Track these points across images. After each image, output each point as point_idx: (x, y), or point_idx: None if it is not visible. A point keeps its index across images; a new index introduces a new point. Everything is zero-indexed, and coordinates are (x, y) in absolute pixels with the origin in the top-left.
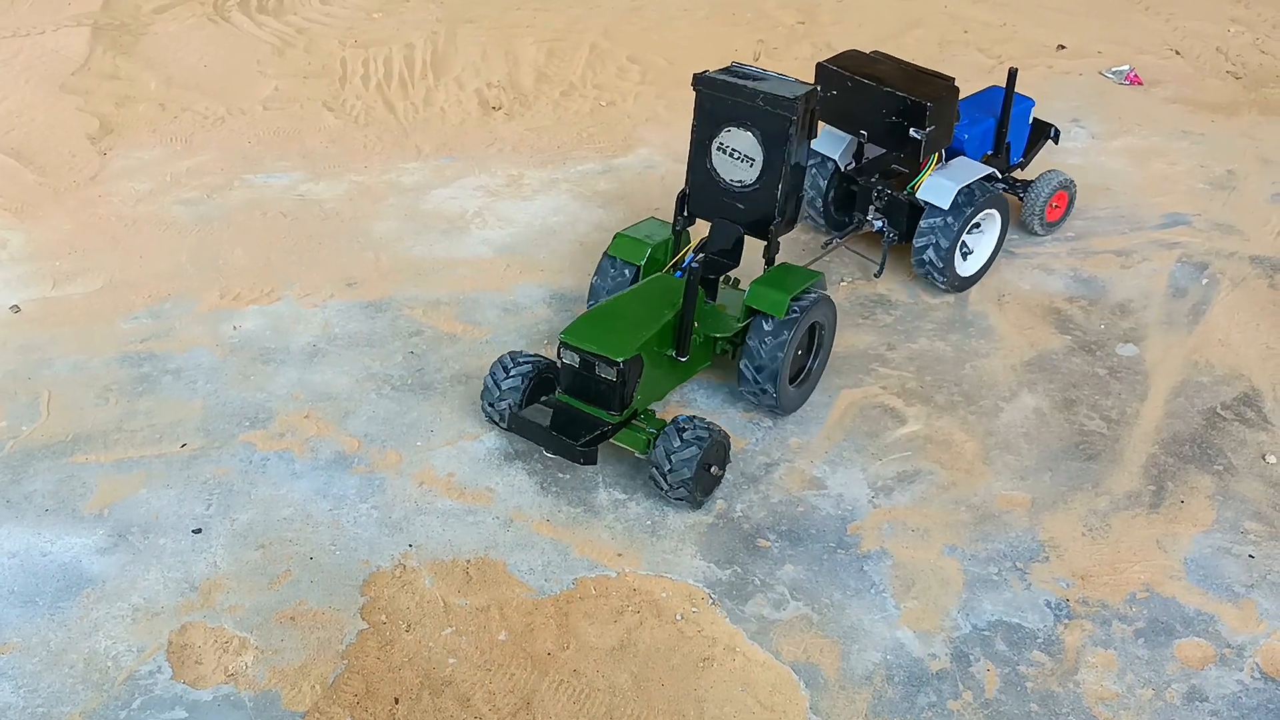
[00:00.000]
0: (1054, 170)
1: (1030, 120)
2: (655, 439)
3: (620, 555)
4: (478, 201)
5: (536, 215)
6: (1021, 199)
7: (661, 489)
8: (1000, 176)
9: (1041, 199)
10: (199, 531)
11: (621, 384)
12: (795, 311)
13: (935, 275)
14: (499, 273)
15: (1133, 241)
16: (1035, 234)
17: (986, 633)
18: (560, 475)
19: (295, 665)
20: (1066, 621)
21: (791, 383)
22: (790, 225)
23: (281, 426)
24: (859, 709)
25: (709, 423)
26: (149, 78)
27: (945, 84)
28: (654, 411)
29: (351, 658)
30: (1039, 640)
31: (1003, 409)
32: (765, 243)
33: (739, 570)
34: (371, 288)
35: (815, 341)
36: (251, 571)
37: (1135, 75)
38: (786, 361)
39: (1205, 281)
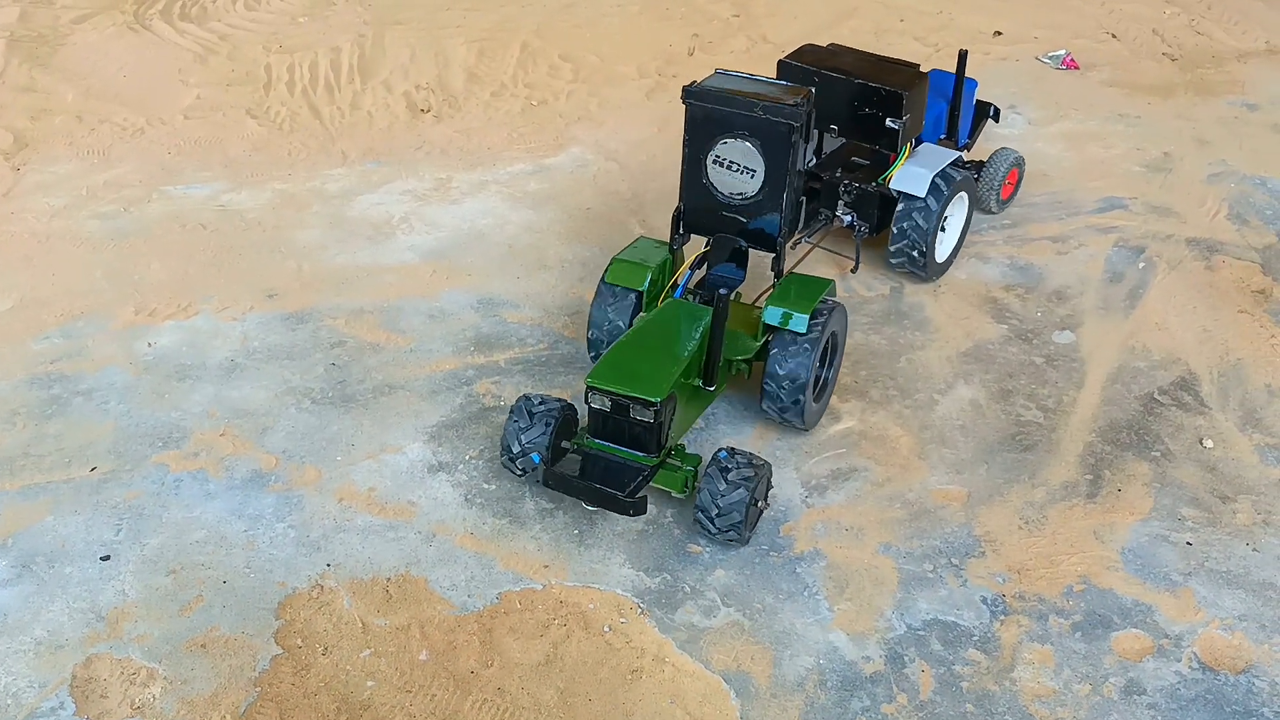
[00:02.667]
0: (1005, 148)
1: (975, 101)
2: (695, 479)
3: (547, 567)
4: (404, 206)
5: (465, 219)
6: (977, 180)
7: (710, 532)
8: (964, 160)
9: (999, 177)
10: (107, 559)
11: (659, 425)
12: (816, 325)
13: (916, 265)
14: (425, 279)
15: (1069, 227)
16: (991, 212)
17: (921, 632)
18: (485, 486)
19: (205, 695)
20: (1003, 618)
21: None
22: (793, 234)
23: (196, 445)
24: (791, 717)
25: (750, 456)
26: (66, 89)
27: (913, 71)
28: (684, 446)
29: (265, 685)
30: (975, 638)
31: (938, 402)
32: (773, 255)
33: (669, 577)
34: (293, 299)
35: (829, 350)
36: (161, 598)
37: (1071, 60)
38: (811, 378)
39: (1142, 265)
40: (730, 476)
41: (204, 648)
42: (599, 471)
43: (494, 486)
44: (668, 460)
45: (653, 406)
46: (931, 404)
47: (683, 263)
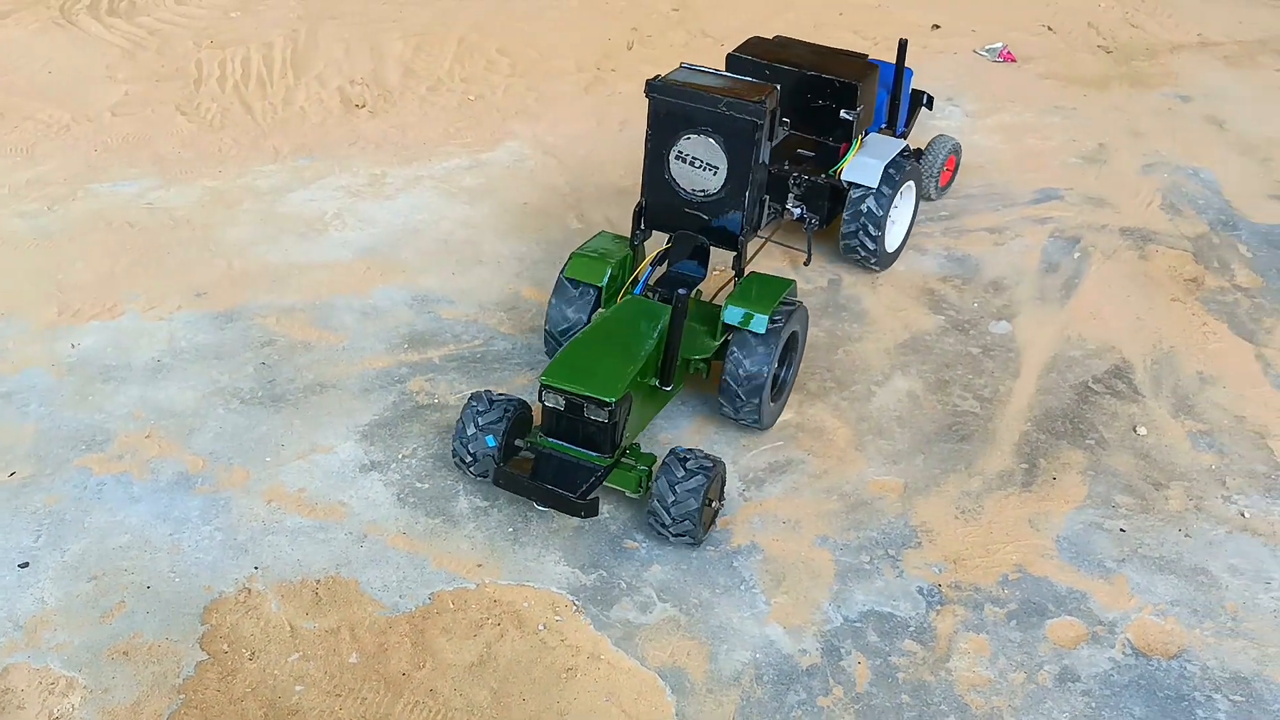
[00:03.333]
0: (942, 135)
1: (911, 90)
2: (649, 478)
3: (480, 566)
4: (337, 202)
5: (399, 214)
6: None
7: (663, 523)
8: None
9: (938, 164)
10: (25, 565)
11: (613, 425)
12: (777, 324)
13: (867, 255)
14: (358, 275)
15: (1006, 218)
16: (929, 199)
17: (858, 624)
18: (418, 485)
19: (127, 704)
20: (939, 608)
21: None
22: (754, 232)
23: (120, 448)
24: (727, 712)
25: (702, 457)
26: None
27: (864, 61)
28: (639, 445)
29: (189, 692)
30: (911, 629)
31: (876, 393)
32: (734, 253)
33: (604, 574)
34: (222, 297)
35: (788, 351)
36: (82, 605)
37: (1008, 52)
38: (769, 378)
39: (1077, 255)
40: (689, 465)
41: (126, 655)
42: (551, 471)
43: (427, 485)
44: (622, 460)
45: (607, 407)
46: (869, 396)
47: (644, 258)
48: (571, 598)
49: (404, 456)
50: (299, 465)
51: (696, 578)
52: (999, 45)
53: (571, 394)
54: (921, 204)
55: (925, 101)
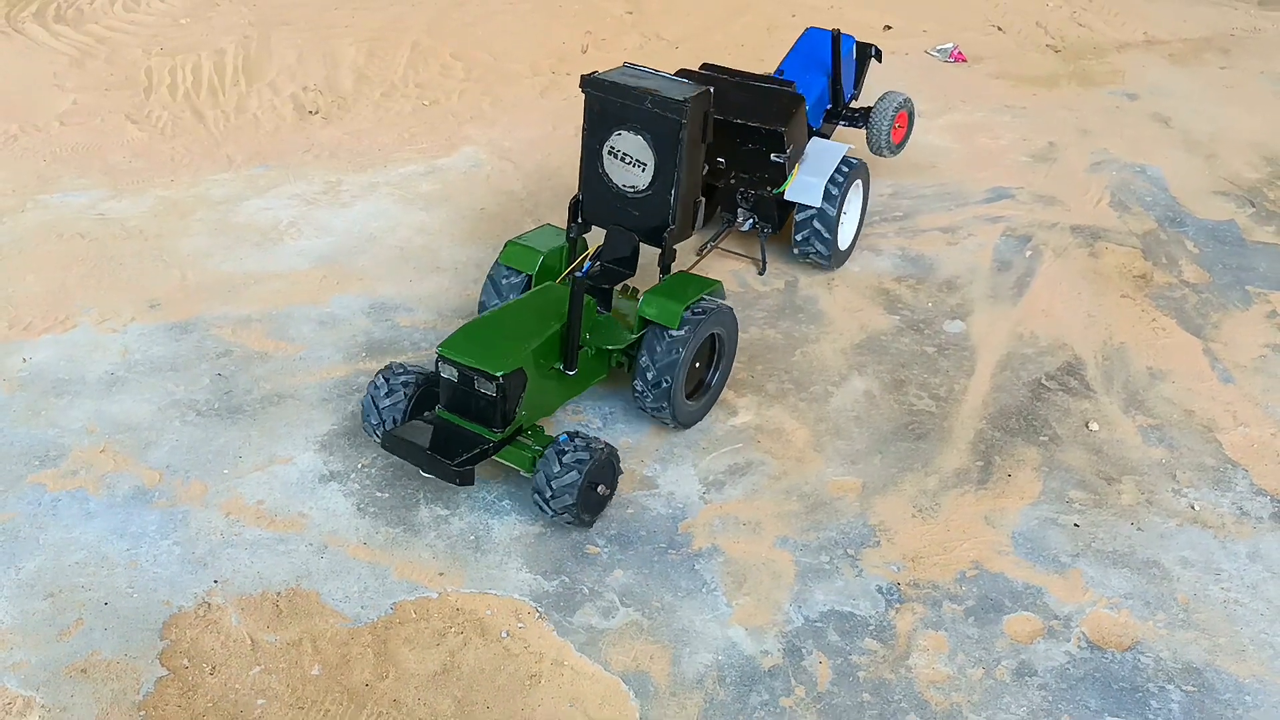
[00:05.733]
0: (890, 91)
1: (854, 55)
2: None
3: (442, 574)
4: (293, 211)
5: (355, 222)
6: (865, 128)
7: (546, 513)
8: (852, 109)
9: (886, 124)
10: None
11: (502, 399)
12: (690, 322)
13: (820, 257)
14: (314, 284)
15: (958, 218)
16: (884, 156)
17: (819, 624)
18: (379, 495)
19: None
20: (898, 606)
21: (689, 397)
22: (688, 232)
23: (75, 463)
24: (690, 715)
25: (591, 440)
26: None
27: (789, 94)
28: (542, 428)
29: (149, 709)
30: (870, 627)
31: (833, 394)
32: (660, 250)
33: (567, 580)
34: (176, 308)
35: (715, 353)
36: (39, 623)
37: (959, 53)
38: (681, 375)
39: (1029, 254)
40: (565, 459)
41: (84, 673)
42: (441, 441)
43: (387, 495)
44: (519, 439)
45: (495, 380)
46: (826, 396)
47: (582, 251)
48: (534, 604)
49: (363, 466)
50: (257, 477)
51: (659, 581)
52: (950, 46)
53: (464, 366)
54: (873, 205)
55: (874, 54)
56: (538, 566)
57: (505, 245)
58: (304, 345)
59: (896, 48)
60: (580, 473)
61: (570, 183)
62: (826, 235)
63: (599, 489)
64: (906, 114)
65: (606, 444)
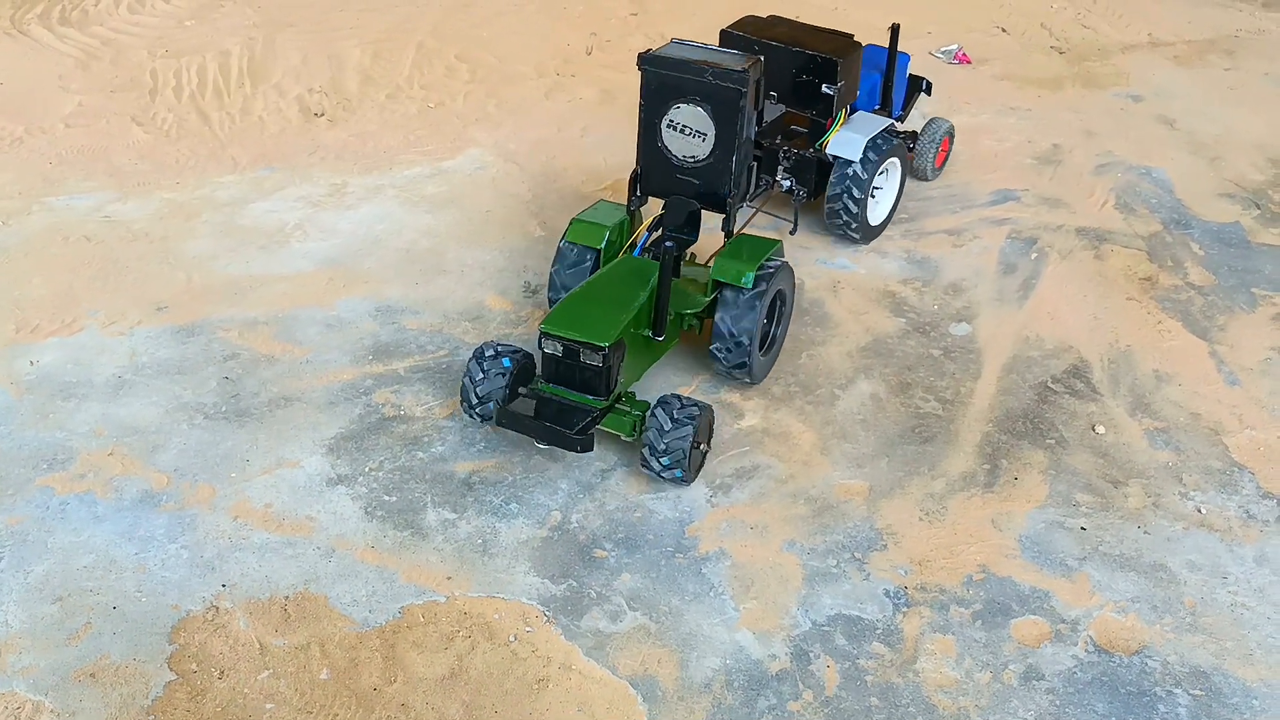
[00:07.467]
0: (937, 118)
1: (908, 74)
2: (642, 420)
3: (450, 578)
4: (298, 213)
5: (361, 224)
6: (912, 151)
7: (654, 469)
8: (897, 128)
9: (933, 148)
10: None
11: (608, 369)
12: (761, 282)
13: (849, 228)
14: (321, 287)
15: (964, 220)
16: (927, 179)
17: (826, 628)
18: (386, 498)
19: None
20: (905, 610)
21: (759, 351)
22: (745, 196)
23: (83, 466)
24: (698, 719)
25: (695, 400)
26: None
27: (848, 39)
28: (634, 394)
29: (159, 713)
30: (878, 631)
31: (839, 397)
32: (723, 216)
33: (574, 584)
34: (183, 311)
35: (777, 308)
36: (48, 627)
37: (964, 54)
38: (757, 332)
39: (1034, 256)
40: (677, 415)
41: (94, 677)
42: (550, 412)
43: (395, 498)
44: (617, 405)
45: (600, 351)
46: (833, 399)
47: (641, 224)
48: (542, 608)
49: (371, 469)
50: (265, 480)
51: (666, 585)
52: (954, 47)
53: (568, 340)
54: None
55: (924, 87)
56: (545, 570)
57: (570, 223)
58: (311, 348)
59: (901, 49)
60: (693, 426)
61: (575, 184)
62: (858, 195)
63: (701, 446)
64: (949, 140)
65: (705, 405)
